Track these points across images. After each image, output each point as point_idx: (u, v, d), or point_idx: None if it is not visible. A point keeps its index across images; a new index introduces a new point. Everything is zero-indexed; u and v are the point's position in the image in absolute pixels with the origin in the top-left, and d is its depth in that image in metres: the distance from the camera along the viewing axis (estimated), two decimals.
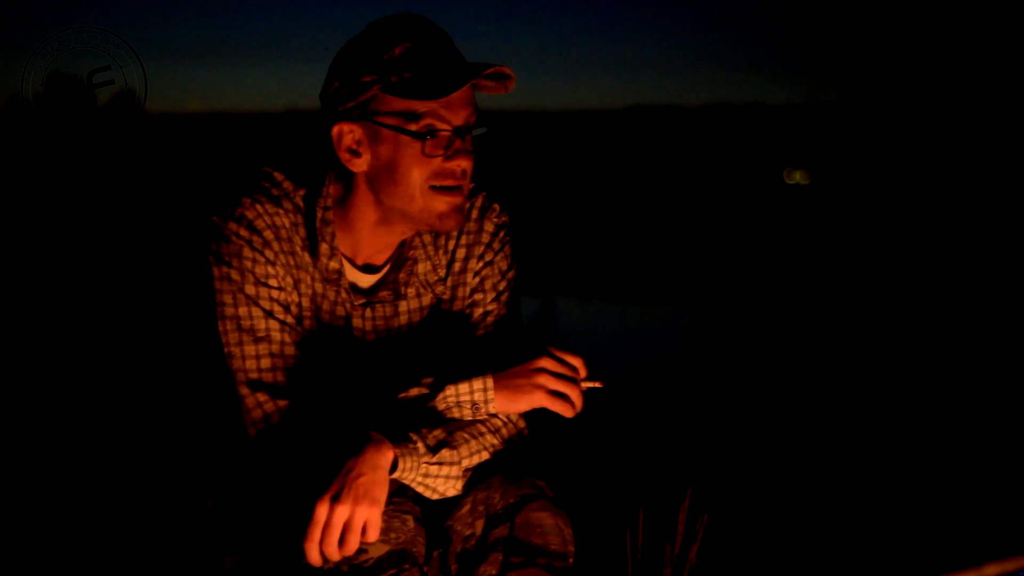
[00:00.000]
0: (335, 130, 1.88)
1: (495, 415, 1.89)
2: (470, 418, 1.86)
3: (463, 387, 1.85)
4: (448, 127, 1.85)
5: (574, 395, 1.86)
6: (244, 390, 1.88)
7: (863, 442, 4.66)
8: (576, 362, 1.87)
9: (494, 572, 1.78)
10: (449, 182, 1.87)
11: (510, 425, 1.92)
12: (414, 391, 1.86)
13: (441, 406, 1.84)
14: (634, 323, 8.84)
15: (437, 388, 1.86)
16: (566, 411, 1.86)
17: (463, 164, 1.87)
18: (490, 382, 1.85)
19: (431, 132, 1.85)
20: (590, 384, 1.89)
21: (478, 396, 1.85)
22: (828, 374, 6.35)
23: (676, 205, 18.77)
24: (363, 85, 1.86)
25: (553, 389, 1.85)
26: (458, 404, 1.85)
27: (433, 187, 1.87)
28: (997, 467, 4.16)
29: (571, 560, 1.81)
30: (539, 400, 1.86)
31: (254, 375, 1.87)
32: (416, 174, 1.87)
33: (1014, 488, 3.84)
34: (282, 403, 1.87)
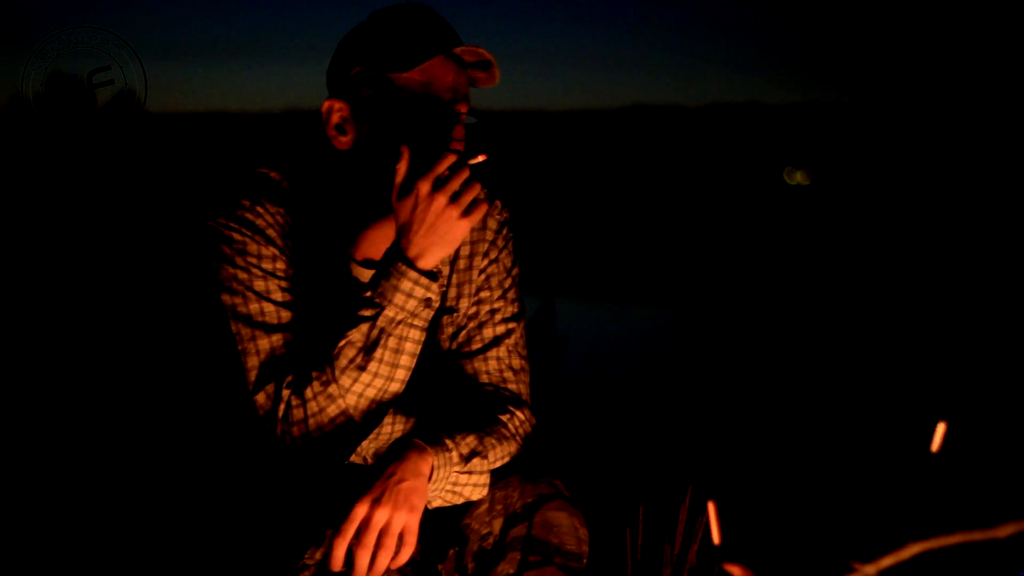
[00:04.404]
0: (325, 106, 1.91)
1: (514, 415, 1.91)
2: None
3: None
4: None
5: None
6: (259, 385, 1.85)
7: (864, 442, 4.66)
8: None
9: (512, 571, 1.77)
10: None
11: (526, 423, 1.93)
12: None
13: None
14: (634, 323, 8.83)
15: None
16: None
17: None
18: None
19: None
20: (476, 160, 1.87)
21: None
22: (829, 374, 6.34)
23: (676, 205, 18.75)
24: (348, 63, 1.89)
25: None
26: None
27: None
28: (1001, 467, 4.15)
29: (585, 561, 1.81)
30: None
31: (271, 368, 1.84)
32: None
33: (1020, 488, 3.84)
34: (296, 400, 1.84)
